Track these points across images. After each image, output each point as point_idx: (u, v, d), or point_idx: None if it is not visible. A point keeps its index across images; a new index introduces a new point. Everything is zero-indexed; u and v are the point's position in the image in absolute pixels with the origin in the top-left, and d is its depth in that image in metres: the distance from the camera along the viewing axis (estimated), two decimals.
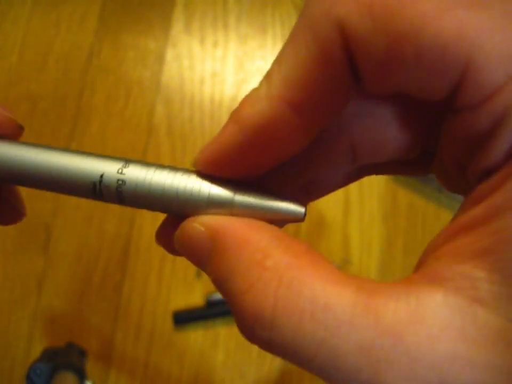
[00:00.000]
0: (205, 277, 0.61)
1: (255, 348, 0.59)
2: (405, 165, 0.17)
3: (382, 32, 0.11)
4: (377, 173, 0.18)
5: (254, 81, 0.67)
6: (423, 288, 0.11)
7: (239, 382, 0.59)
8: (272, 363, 0.59)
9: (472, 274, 0.11)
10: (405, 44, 0.11)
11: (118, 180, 0.15)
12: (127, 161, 0.16)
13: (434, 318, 0.11)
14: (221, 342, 0.59)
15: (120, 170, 0.16)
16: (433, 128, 0.14)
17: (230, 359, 0.59)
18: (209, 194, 0.15)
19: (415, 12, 0.11)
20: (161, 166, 0.16)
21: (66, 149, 0.17)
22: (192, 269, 0.61)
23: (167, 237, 0.16)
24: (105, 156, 0.16)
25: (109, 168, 0.16)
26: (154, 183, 0.15)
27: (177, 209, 0.15)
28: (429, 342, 0.11)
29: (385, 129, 0.15)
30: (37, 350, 0.56)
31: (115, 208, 0.62)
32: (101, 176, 0.15)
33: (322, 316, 0.11)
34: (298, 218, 0.15)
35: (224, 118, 0.65)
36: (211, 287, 0.60)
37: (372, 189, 0.65)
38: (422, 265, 0.12)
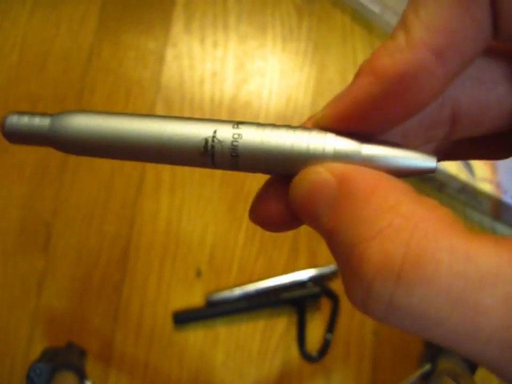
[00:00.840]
0: (205, 277, 0.61)
1: (255, 348, 0.59)
2: (491, 146, 0.16)
3: None
4: (461, 158, 0.17)
5: (254, 81, 0.67)
6: None
7: (239, 382, 0.59)
8: (272, 363, 0.59)
9: None
10: None
11: (234, 134, 0.14)
12: (239, 122, 0.15)
13: None
14: (221, 342, 0.59)
15: (235, 126, 0.14)
16: None
17: (230, 359, 0.59)
18: (334, 148, 0.14)
19: None
20: (276, 125, 0.15)
21: (163, 115, 0.15)
22: (192, 268, 0.61)
23: (268, 207, 0.15)
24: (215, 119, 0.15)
25: (222, 125, 0.14)
26: (273, 139, 0.14)
27: (298, 167, 0.14)
28: None
29: (490, 91, 0.14)
30: (37, 350, 0.56)
31: (115, 208, 0.62)
32: (215, 131, 0.14)
33: (463, 267, 0.10)
34: (429, 170, 0.14)
35: (224, 117, 0.65)
36: (211, 287, 0.60)
37: None
38: None
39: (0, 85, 0.65)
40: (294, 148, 0.14)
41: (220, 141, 0.14)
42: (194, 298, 0.60)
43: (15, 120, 0.16)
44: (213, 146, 0.14)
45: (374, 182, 0.12)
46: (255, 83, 0.67)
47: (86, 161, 0.61)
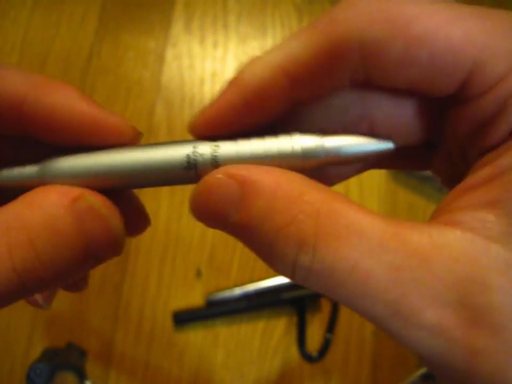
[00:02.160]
0: (205, 277, 0.61)
1: (255, 348, 0.59)
2: (409, 158, 0.19)
3: (400, 37, 0.13)
4: (382, 167, 0.20)
5: None
6: (442, 226, 0.13)
7: (239, 382, 0.59)
8: (272, 363, 0.59)
9: (484, 218, 0.13)
10: (420, 47, 0.13)
11: (212, 146, 0.16)
12: (214, 139, 0.16)
13: (454, 247, 0.12)
14: (221, 342, 0.59)
15: (211, 141, 0.16)
16: (440, 117, 0.16)
17: (230, 359, 0.59)
18: (302, 147, 0.15)
19: (429, 21, 0.13)
20: (247, 135, 0.16)
21: (143, 144, 0.17)
22: (192, 269, 0.61)
23: None
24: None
25: (199, 142, 0.16)
26: (248, 146, 0.16)
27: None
28: (450, 265, 0.12)
29: (401, 115, 0.16)
30: (37, 350, 0.56)
31: None
32: (194, 147, 0.16)
33: (357, 240, 0.13)
34: (390, 150, 0.16)
35: None
36: (211, 287, 0.60)
37: (372, 189, 0.65)
38: (435, 217, 0.14)
39: None
40: (266, 151, 0.16)
41: (200, 154, 0.16)
42: (194, 298, 0.60)
43: (4, 174, 0.17)
44: (195, 160, 0.16)
45: (275, 178, 0.14)
46: None
47: None
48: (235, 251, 0.61)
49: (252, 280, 0.61)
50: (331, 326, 0.59)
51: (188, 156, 0.16)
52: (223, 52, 0.67)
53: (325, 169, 0.17)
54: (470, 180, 0.14)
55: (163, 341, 0.59)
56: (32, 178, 0.16)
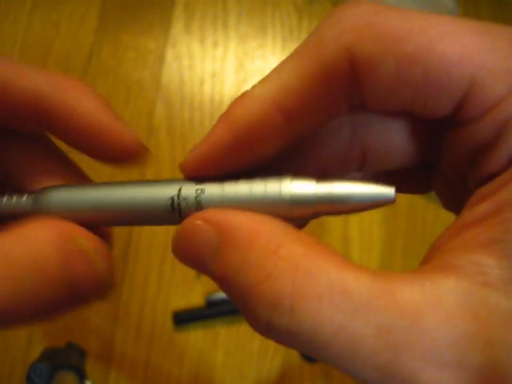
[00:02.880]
0: (205, 277, 0.61)
1: (255, 348, 0.59)
2: (407, 180, 0.18)
3: (391, 55, 0.12)
4: None
5: (254, 81, 0.67)
6: (436, 274, 0.12)
7: (239, 382, 0.59)
8: (272, 363, 0.59)
9: (481, 261, 0.11)
10: (413, 64, 0.12)
11: (197, 190, 0.15)
12: (200, 179, 0.15)
13: (449, 300, 0.11)
14: (221, 342, 0.59)
15: (197, 183, 0.15)
16: (436, 139, 0.15)
17: (230, 359, 0.59)
18: (291, 193, 0.14)
19: (423, 36, 0.12)
20: (235, 179, 0.15)
21: (132, 180, 0.17)
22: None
23: None
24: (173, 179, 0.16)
25: (185, 184, 0.15)
26: (233, 190, 0.15)
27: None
28: (446, 323, 0.11)
29: (394, 138, 0.15)
30: (37, 350, 0.56)
31: None
32: (179, 189, 0.15)
33: (341, 300, 0.11)
34: (389, 201, 0.14)
35: None
36: (211, 287, 0.60)
37: None
38: (429, 259, 0.13)
39: None
40: (252, 196, 0.15)
41: (184, 198, 0.15)
42: (194, 298, 0.60)
43: (3, 202, 0.17)
44: (179, 203, 0.15)
45: (253, 226, 0.13)
46: (255, 83, 0.67)
47: (85, 161, 0.61)
48: None
49: None
50: None
51: (172, 199, 0.15)
52: (223, 52, 0.67)
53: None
54: (466, 216, 0.13)
55: (163, 341, 0.59)
56: (27, 208, 0.17)
